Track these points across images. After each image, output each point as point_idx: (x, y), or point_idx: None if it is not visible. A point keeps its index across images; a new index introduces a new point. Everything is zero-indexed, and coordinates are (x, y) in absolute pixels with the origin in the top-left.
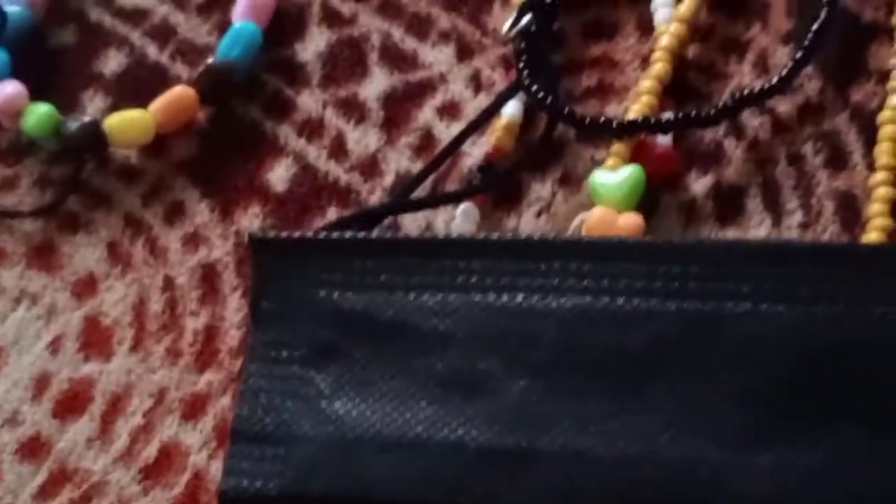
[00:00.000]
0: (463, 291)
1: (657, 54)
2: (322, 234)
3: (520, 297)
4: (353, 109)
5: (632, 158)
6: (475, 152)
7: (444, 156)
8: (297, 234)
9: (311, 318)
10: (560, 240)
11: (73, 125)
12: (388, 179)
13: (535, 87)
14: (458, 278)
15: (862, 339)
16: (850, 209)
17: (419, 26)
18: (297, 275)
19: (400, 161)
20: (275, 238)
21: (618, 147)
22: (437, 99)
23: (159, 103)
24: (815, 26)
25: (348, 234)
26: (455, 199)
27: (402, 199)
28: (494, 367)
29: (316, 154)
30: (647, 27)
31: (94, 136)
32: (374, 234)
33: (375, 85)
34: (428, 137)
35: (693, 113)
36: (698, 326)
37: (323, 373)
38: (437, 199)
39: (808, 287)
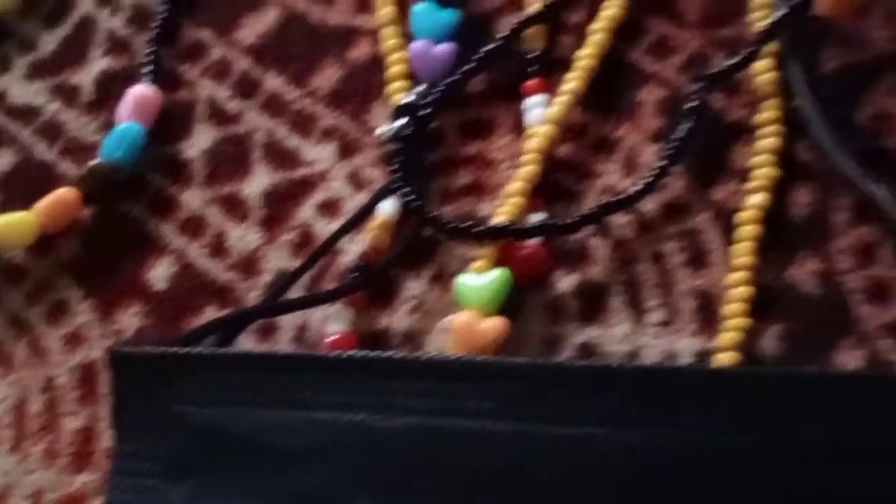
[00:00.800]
0: (309, 409)
1: (527, 156)
2: (178, 349)
3: (362, 416)
4: (235, 207)
5: (500, 259)
6: (353, 250)
7: (318, 255)
8: (155, 350)
9: (170, 432)
10: (398, 358)
11: None
12: (267, 278)
13: (404, 191)
14: (304, 395)
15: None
16: (709, 308)
17: (303, 124)
18: (156, 388)
19: (279, 259)
20: (134, 353)
21: (484, 251)
22: (318, 196)
23: (43, 204)
24: (682, 128)
25: (202, 349)
26: (328, 299)
27: (272, 301)
28: (339, 485)
29: (197, 252)
30: (520, 126)
31: None
32: (245, 339)
33: (258, 182)
34: (308, 235)
35: (555, 221)
36: (530, 449)
37: (180, 487)
38: (308, 301)
39: (625, 411)
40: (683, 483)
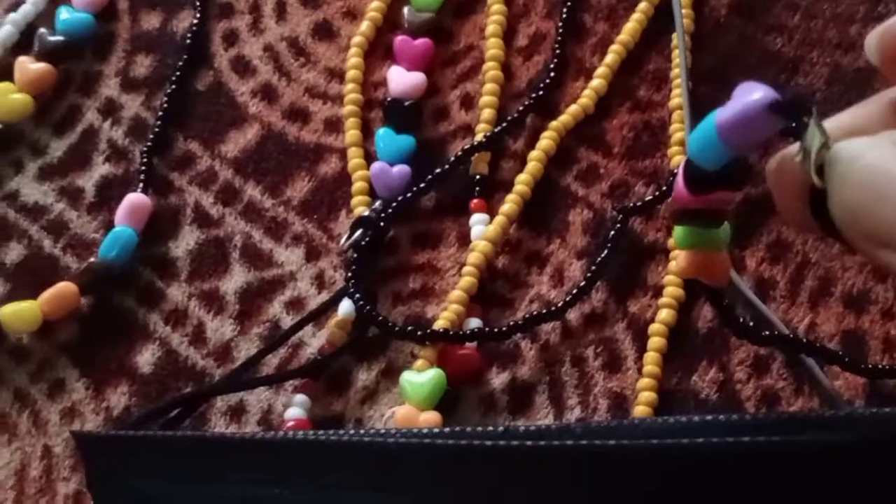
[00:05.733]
0: (230, 484)
1: (467, 268)
2: (120, 432)
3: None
4: (213, 301)
5: (438, 359)
6: (314, 343)
7: (277, 343)
8: (109, 432)
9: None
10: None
11: None
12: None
13: (357, 296)
14: (228, 471)
15: None
16: (621, 407)
17: (276, 230)
18: (116, 464)
19: (250, 349)
20: (92, 435)
21: (426, 351)
22: (286, 294)
23: (46, 296)
24: (604, 253)
25: (144, 432)
26: (276, 380)
27: (228, 382)
28: None
29: (178, 341)
30: (465, 240)
31: None
32: (216, 420)
33: (235, 280)
34: (275, 328)
35: (489, 328)
36: None
37: None
38: (257, 381)
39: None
40: None
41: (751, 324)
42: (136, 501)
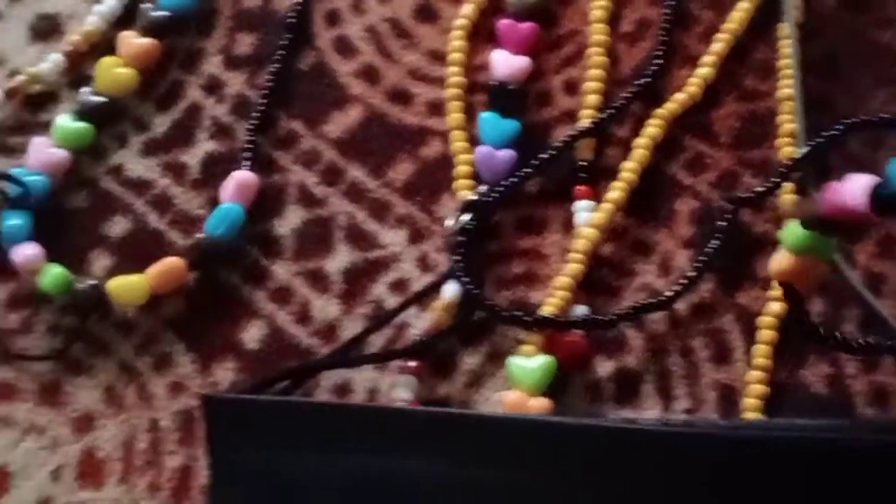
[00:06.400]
0: (354, 454)
1: (573, 255)
2: (259, 397)
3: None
4: (318, 280)
5: (546, 344)
6: (418, 325)
7: (383, 321)
8: (242, 397)
9: (252, 469)
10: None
11: (81, 286)
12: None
13: (464, 279)
14: (347, 440)
15: None
16: (729, 400)
17: (379, 211)
18: (243, 431)
19: (355, 328)
20: (224, 399)
21: (533, 337)
22: (390, 276)
23: (154, 270)
24: (713, 243)
25: (274, 398)
26: (384, 359)
27: (336, 357)
28: None
29: (284, 319)
30: (569, 226)
31: (98, 297)
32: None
33: (339, 260)
34: (380, 309)
35: (597, 317)
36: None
37: None
38: (365, 359)
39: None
40: None
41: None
42: (256, 466)
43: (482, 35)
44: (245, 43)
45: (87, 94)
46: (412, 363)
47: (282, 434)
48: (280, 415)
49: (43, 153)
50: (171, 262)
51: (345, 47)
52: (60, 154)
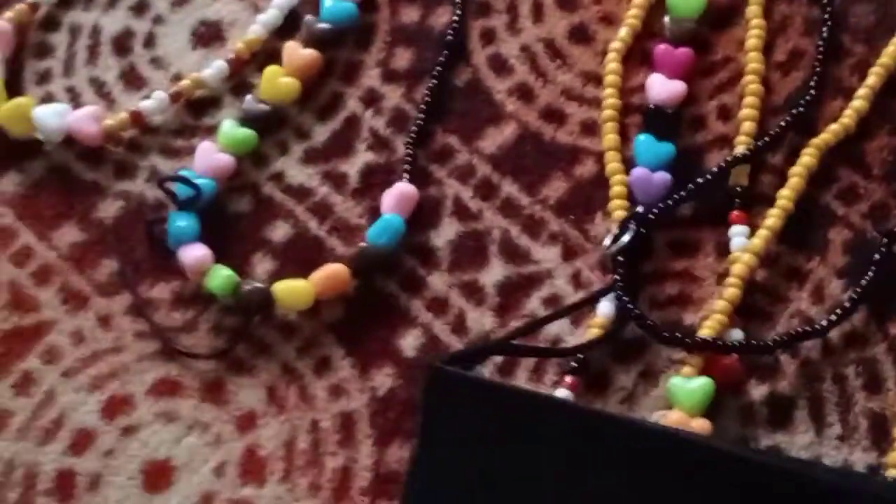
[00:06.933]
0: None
1: (731, 279)
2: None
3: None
4: (473, 292)
5: (703, 366)
6: (572, 341)
7: (540, 323)
8: (469, 375)
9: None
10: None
11: (248, 288)
12: (498, 357)
13: (626, 299)
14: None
15: None
16: (881, 428)
17: (533, 227)
18: (461, 407)
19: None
20: (450, 374)
21: (692, 358)
22: (544, 291)
23: (319, 275)
24: (868, 276)
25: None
26: (550, 353)
27: (505, 343)
28: None
29: (440, 328)
30: (723, 250)
31: (264, 299)
32: None
33: (493, 273)
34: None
35: (754, 342)
36: None
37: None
38: (536, 351)
39: None
40: None
41: None
42: (462, 440)
43: (636, 58)
44: (402, 58)
45: (251, 102)
46: (568, 378)
47: (490, 416)
48: (495, 397)
49: (210, 157)
50: (335, 269)
51: (500, 65)
52: (226, 159)
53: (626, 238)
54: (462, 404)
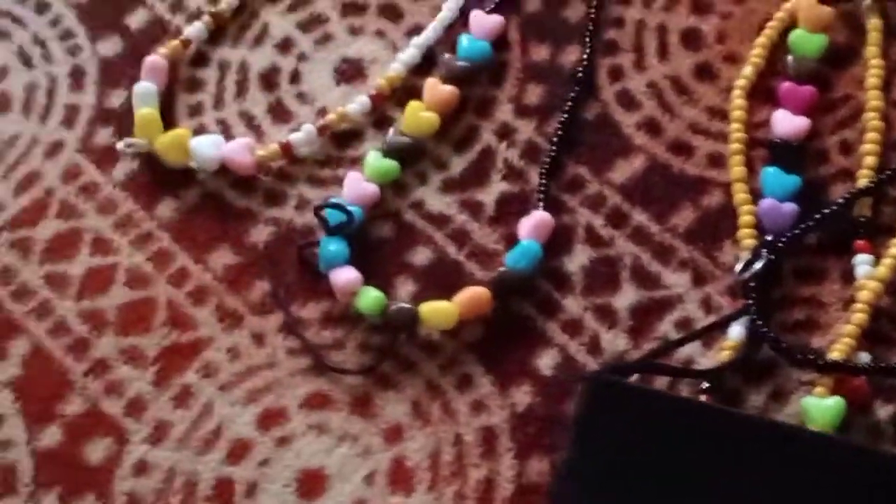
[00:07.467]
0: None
1: (858, 305)
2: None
3: None
4: (606, 315)
5: (833, 387)
6: (703, 363)
7: (669, 348)
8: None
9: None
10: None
11: (395, 309)
12: (633, 378)
13: (760, 323)
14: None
15: None
16: None
17: (663, 254)
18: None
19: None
20: (611, 381)
21: (824, 379)
22: (675, 315)
23: (462, 297)
24: None
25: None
26: (699, 375)
27: (652, 361)
28: None
29: (576, 349)
30: (848, 277)
31: (411, 319)
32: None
33: (625, 298)
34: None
35: (885, 364)
36: None
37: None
38: (670, 369)
39: None
40: None
41: None
42: (615, 444)
43: (758, 95)
44: (534, 93)
45: (394, 135)
46: (702, 398)
47: (650, 424)
48: (656, 404)
49: (358, 186)
50: (477, 292)
51: (628, 101)
52: (371, 188)
53: (758, 265)
54: (621, 411)
